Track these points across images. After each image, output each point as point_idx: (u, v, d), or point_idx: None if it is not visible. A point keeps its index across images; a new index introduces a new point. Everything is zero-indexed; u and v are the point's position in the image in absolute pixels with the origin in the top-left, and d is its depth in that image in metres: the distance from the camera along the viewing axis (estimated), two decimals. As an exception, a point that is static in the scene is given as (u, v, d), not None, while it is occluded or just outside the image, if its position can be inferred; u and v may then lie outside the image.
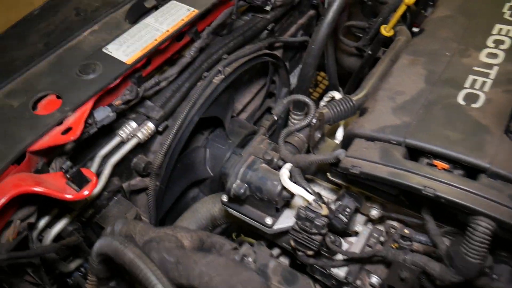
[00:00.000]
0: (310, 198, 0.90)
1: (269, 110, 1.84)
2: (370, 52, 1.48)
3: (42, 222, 0.97)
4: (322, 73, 2.38)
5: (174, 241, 0.73)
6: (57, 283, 1.11)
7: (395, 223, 0.99)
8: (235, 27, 1.40)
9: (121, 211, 1.14)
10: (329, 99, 1.51)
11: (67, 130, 0.90)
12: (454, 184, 0.78)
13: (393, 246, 0.92)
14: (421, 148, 0.85)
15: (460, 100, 0.92)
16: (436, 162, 0.85)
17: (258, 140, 1.04)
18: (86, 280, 0.83)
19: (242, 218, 1.04)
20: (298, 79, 1.42)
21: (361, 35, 1.67)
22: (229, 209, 1.05)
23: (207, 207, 1.18)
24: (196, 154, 1.44)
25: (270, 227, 1.00)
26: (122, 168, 1.18)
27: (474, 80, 0.96)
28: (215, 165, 1.46)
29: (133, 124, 1.14)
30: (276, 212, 1.01)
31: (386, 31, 1.38)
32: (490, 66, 0.99)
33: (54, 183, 0.85)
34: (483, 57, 1.02)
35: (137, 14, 1.18)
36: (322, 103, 1.37)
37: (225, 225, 1.30)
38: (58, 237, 1.00)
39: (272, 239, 1.11)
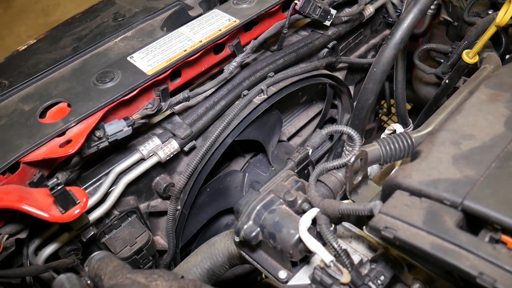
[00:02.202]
0: (328, 259, 0.71)
1: (330, 138, 1.66)
2: (447, 81, 1.23)
3: (39, 239, 0.89)
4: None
5: (140, 293, 0.60)
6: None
7: (445, 305, 0.76)
8: (289, 43, 1.25)
9: (132, 234, 1.04)
10: (390, 132, 1.29)
11: (68, 142, 0.82)
12: (526, 277, 0.55)
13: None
14: (485, 215, 0.62)
15: (552, 155, 0.67)
16: (505, 238, 0.61)
17: (283, 175, 0.88)
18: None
19: (255, 265, 0.87)
20: (356, 106, 1.23)
21: (442, 60, 1.43)
22: (242, 252, 0.89)
23: (226, 243, 1.03)
24: (232, 179, 1.31)
25: (284, 282, 0.82)
26: (142, 187, 1.08)
27: None
28: (252, 193, 1.31)
29: (157, 141, 1.04)
30: (294, 266, 0.83)
31: (469, 57, 1.14)
32: None
33: (42, 200, 0.77)
34: None
35: (177, 22, 1.08)
36: (382, 136, 1.17)
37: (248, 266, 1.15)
38: (56, 256, 0.92)
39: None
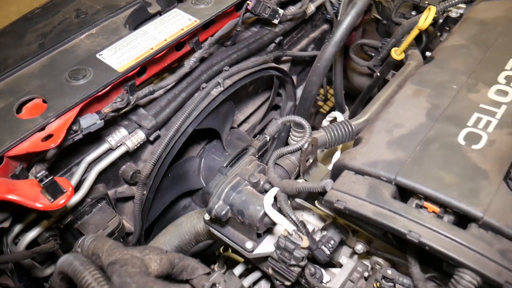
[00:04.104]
0: (291, 228, 0.85)
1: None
2: (378, 74, 1.42)
3: (18, 227, 0.95)
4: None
5: (139, 266, 0.70)
6: (34, 287, 1.09)
7: (381, 260, 0.94)
8: (241, 39, 1.37)
9: (103, 218, 1.11)
10: (331, 119, 1.47)
11: (49, 136, 0.88)
12: (441, 232, 0.73)
13: (375, 286, 0.87)
14: (412, 188, 0.80)
15: (461, 139, 0.86)
16: (426, 204, 0.80)
17: (246, 160, 1.01)
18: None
19: (223, 239, 1.00)
20: (301, 96, 1.38)
21: (373, 54, 1.62)
22: (211, 229, 1.01)
23: (192, 223, 1.15)
24: (190, 164, 1.41)
25: (250, 251, 0.96)
26: (110, 175, 1.16)
27: (479, 119, 0.90)
28: (209, 176, 1.42)
29: (124, 132, 1.11)
30: (258, 237, 0.97)
31: (396, 54, 1.33)
32: (498, 104, 0.93)
33: (28, 191, 0.83)
34: (492, 94, 0.96)
35: (138, 20, 1.15)
36: (324, 123, 1.33)
37: (210, 241, 1.27)
38: (34, 242, 0.98)
39: (253, 262, 1.07)
